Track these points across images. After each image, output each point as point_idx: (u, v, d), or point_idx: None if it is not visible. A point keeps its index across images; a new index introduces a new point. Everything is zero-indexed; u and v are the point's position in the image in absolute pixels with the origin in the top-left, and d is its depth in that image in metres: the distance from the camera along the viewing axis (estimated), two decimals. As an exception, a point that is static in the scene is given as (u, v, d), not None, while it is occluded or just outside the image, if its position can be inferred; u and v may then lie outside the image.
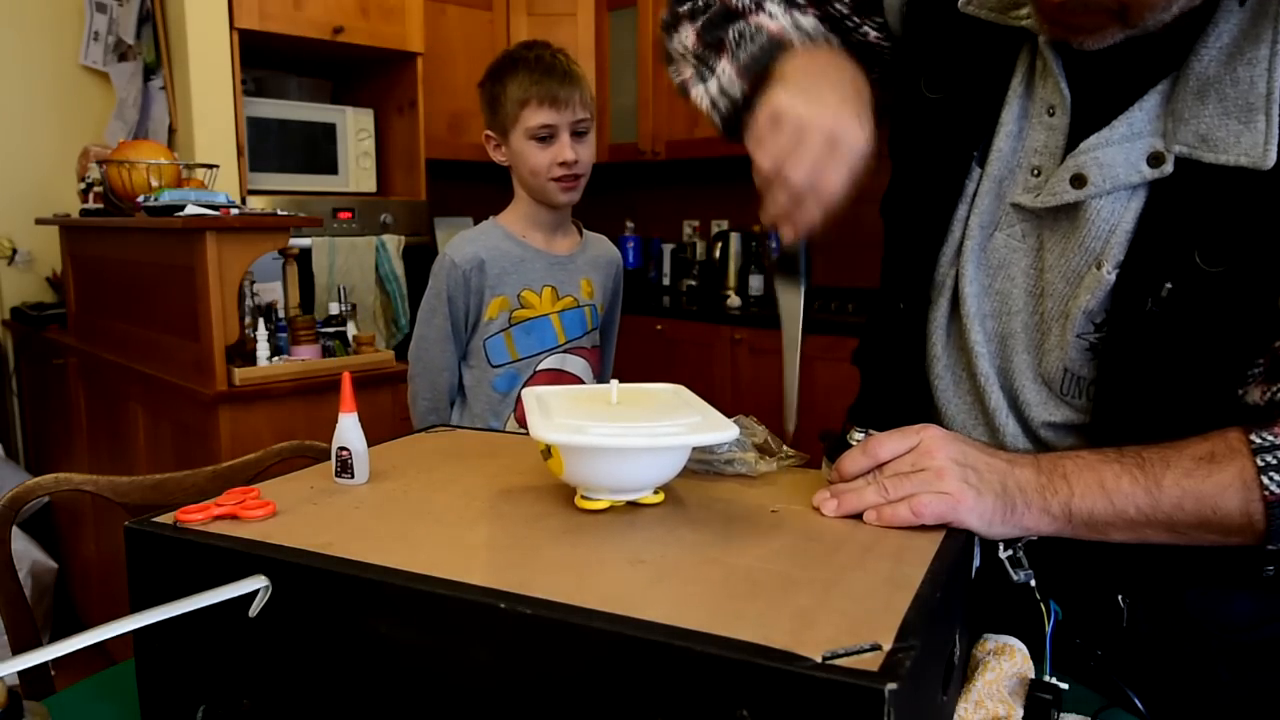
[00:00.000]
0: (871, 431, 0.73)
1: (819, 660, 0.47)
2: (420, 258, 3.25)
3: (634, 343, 3.50)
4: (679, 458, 0.72)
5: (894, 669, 0.46)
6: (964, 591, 0.67)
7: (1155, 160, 0.71)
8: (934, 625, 0.55)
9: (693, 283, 3.80)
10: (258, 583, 0.61)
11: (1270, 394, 0.71)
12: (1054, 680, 0.68)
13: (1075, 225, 0.75)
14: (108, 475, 1.17)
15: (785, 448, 0.86)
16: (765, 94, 0.76)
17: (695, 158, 3.51)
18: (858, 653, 0.48)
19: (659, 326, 3.38)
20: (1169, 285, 0.71)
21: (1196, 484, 0.69)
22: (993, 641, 0.71)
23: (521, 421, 1.51)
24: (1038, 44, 0.76)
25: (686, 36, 0.92)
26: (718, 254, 3.67)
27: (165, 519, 0.69)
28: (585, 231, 1.67)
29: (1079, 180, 0.74)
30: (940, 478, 0.68)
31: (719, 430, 0.68)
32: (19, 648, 1.09)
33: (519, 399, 1.51)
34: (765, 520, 0.70)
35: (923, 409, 0.89)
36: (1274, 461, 0.68)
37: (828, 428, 0.82)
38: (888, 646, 0.48)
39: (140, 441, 2.23)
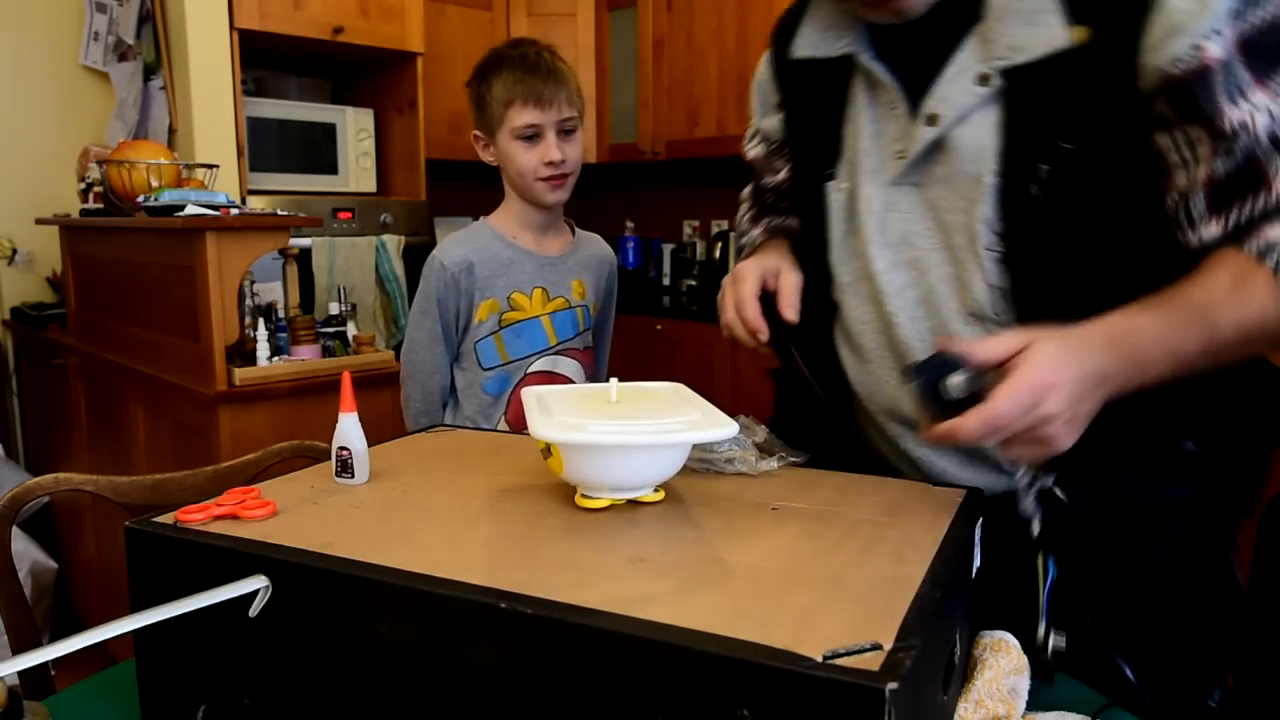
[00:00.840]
0: (967, 372, 0.69)
1: (819, 660, 0.47)
2: (420, 258, 3.23)
3: (634, 343, 3.50)
4: (679, 456, 0.72)
5: (894, 668, 0.46)
6: (964, 591, 0.67)
7: (983, 79, 0.84)
8: (934, 625, 0.55)
9: (693, 283, 3.80)
10: (258, 583, 0.61)
11: (1230, 221, 0.78)
12: (1053, 637, 0.67)
13: (949, 163, 0.87)
14: (108, 475, 1.16)
15: (786, 450, 0.86)
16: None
17: (695, 158, 3.51)
18: (858, 652, 0.47)
19: (659, 326, 3.37)
20: (1045, 167, 0.81)
21: (1244, 312, 0.75)
22: (988, 637, 0.71)
23: (512, 424, 1.51)
24: (861, 64, 0.93)
25: (745, 233, 1.24)
26: (718, 254, 3.67)
27: (165, 519, 0.69)
28: (578, 231, 1.66)
29: (931, 119, 0.87)
30: (1056, 442, 0.70)
31: (719, 428, 0.68)
32: (19, 648, 1.09)
33: (509, 401, 1.51)
34: (766, 519, 0.70)
35: (846, 400, 1.00)
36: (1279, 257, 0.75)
37: (728, 457, 0.85)
38: (888, 646, 0.48)
39: (140, 441, 2.23)
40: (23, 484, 1.12)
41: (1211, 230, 0.79)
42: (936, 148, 0.87)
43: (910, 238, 0.91)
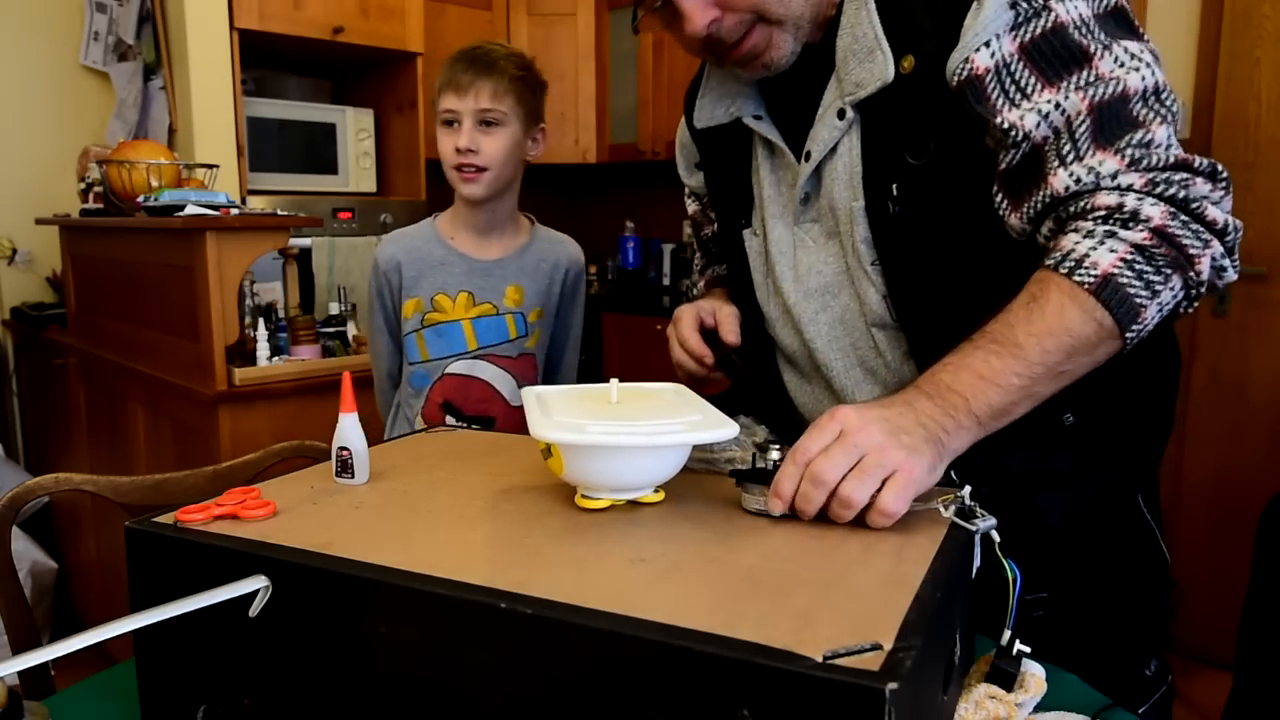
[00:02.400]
0: (778, 443, 0.75)
1: (820, 660, 0.47)
2: (420, 258, 3.25)
3: (634, 343, 3.50)
4: (679, 456, 0.72)
5: (895, 669, 0.46)
6: (964, 591, 0.67)
7: (840, 114, 0.94)
8: (934, 625, 0.55)
9: (693, 283, 3.80)
10: (258, 583, 0.61)
11: (1025, 212, 0.85)
12: (1018, 646, 0.67)
13: (829, 194, 0.97)
14: (108, 475, 1.17)
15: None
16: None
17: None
18: (858, 652, 0.47)
19: (659, 326, 3.37)
20: (895, 185, 0.90)
21: (1041, 322, 0.77)
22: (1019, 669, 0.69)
23: (427, 420, 1.51)
24: (750, 125, 1.03)
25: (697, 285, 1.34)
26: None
27: (165, 519, 0.69)
28: (540, 234, 1.60)
29: (808, 155, 0.97)
30: (884, 454, 0.69)
31: (719, 428, 0.68)
32: (19, 648, 1.09)
33: (427, 398, 1.51)
34: (766, 519, 0.70)
35: (793, 417, 1.09)
36: (1072, 264, 0.78)
37: (728, 458, 0.85)
38: (888, 646, 0.48)
39: (140, 441, 2.23)
40: (23, 484, 1.12)
41: (1013, 221, 0.87)
42: (818, 182, 0.98)
43: (816, 267, 1.00)
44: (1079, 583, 0.91)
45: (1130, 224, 0.78)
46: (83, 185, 2.48)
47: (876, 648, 0.48)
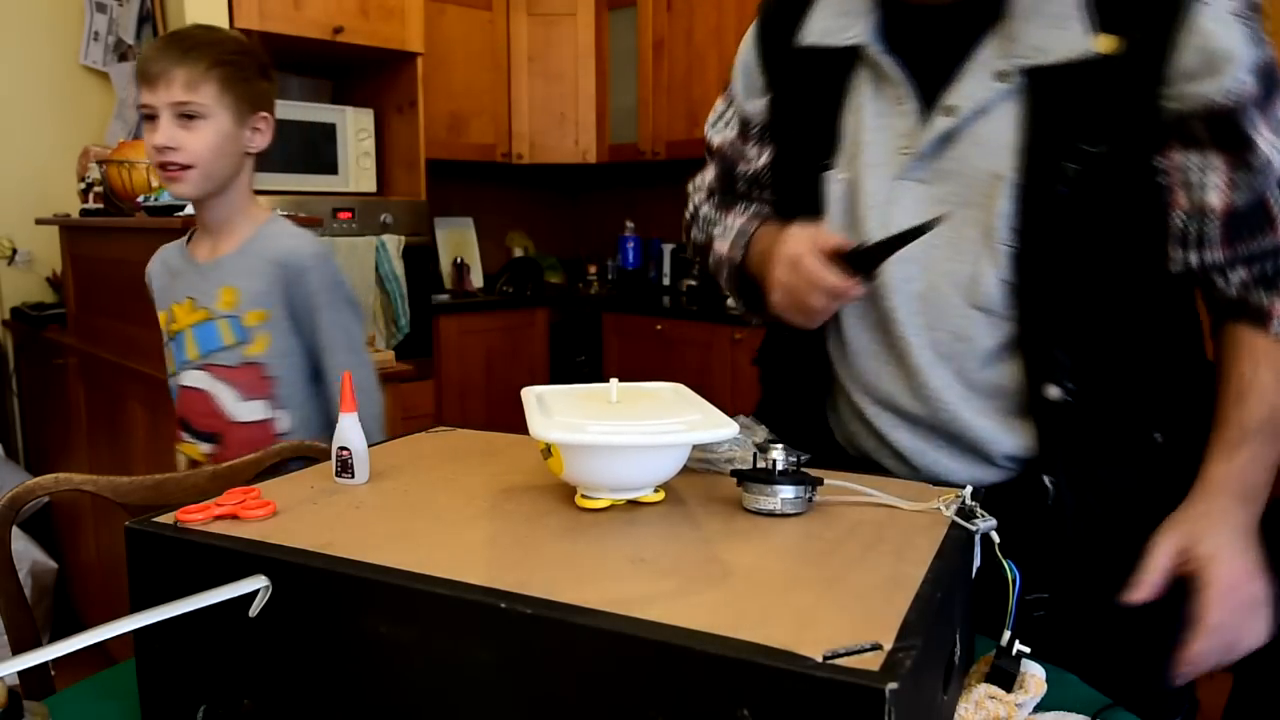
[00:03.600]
0: (778, 442, 0.76)
1: (820, 660, 0.47)
2: (420, 258, 3.25)
3: (634, 343, 3.50)
4: (679, 456, 0.72)
5: (895, 668, 0.46)
6: (964, 591, 0.67)
7: (1001, 76, 0.85)
8: (934, 625, 0.55)
9: (693, 283, 3.80)
10: (258, 583, 0.61)
11: (1238, 252, 0.83)
12: (1017, 646, 0.67)
13: (962, 157, 0.87)
14: (108, 475, 1.16)
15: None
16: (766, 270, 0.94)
17: (695, 158, 3.49)
18: (858, 652, 0.47)
19: (659, 326, 3.37)
20: (1072, 166, 0.83)
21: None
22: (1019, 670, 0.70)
23: (176, 436, 1.45)
24: (869, 57, 0.92)
25: (706, 247, 1.15)
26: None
27: (165, 519, 0.69)
28: (268, 228, 1.44)
29: (949, 110, 0.87)
30: (1268, 596, 0.81)
31: (719, 428, 0.68)
32: (19, 648, 1.09)
33: (178, 414, 1.45)
34: (765, 519, 0.70)
35: (828, 395, 1.02)
36: None
37: (728, 458, 0.86)
38: (888, 646, 0.48)
39: (140, 441, 2.23)
40: (23, 484, 1.12)
41: (1216, 255, 0.84)
42: (948, 142, 0.88)
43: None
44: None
45: None
46: (83, 185, 2.48)
47: (876, 648, 0.48)
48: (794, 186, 1.00)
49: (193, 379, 1.42)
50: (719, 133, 1.14)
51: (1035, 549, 0.83)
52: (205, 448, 1.42)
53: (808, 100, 0.98)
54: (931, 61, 0.89)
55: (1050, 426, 0.88)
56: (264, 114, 1.41)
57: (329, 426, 1.38)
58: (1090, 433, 0.87)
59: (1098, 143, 0.82)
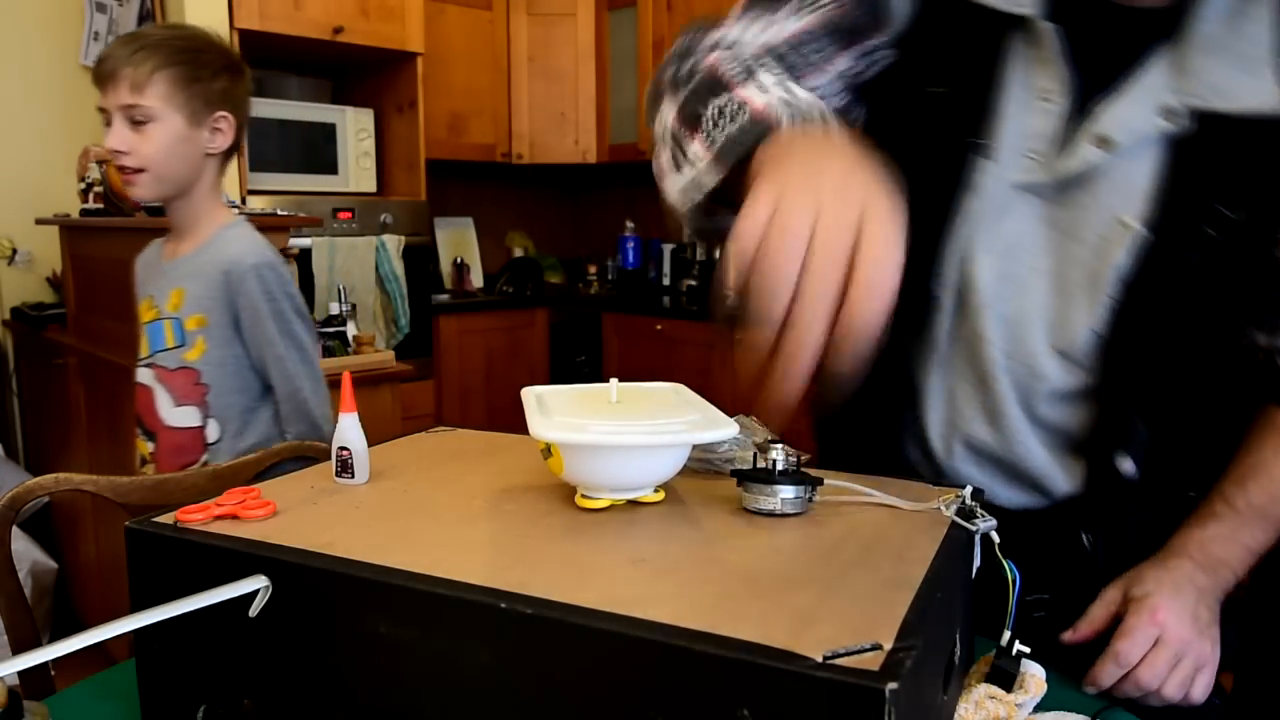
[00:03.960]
0: (779, 442, 0.72)
1: (819, 660, 0.47)
2: (420, 258, 3.25)
3: (634, 343, 3.50)
4: (679, 456, 0.72)
5: (895, 669, 0.46)
6: (964, 591, 0.67)
7: (1168, 114, 0.73)
8: (934, 625, 0.55)
9: (693, 283, 3.80)
10: (258, 583, 0.61)
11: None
12: (1017, 646, 0.68)
13: (1092, 191, 0.77)
14: (108, 475, 1.16)
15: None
16: (756, 185, 0.58)
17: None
18: (858, 652, 0.47)
19: (659, 326, 3.38)
20: (1210, 231, 0.74)
21: None
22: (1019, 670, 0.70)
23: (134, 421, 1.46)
24: (1034, 31, 0.77)
25: (667, 113, 0.80)
26: (718, 254, 3.66)
27: (165, 519, 0.69)
28: (224, 232, 1.40)
29: (1104, 142, 0.75)
30: (1199, 655, 0.77)
31: (720, 428, 0.68)
32: (19, 648, 1.09)
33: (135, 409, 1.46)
34: (766, 519, 0.70)
35: (900, 413, 0.90)
36: None
37: (728, 458, 0.80)
38: (888, 646, 0.48)
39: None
40: (23, 484, 1.12)
41: (1261, 340, 0.80)
42: (1084, 172, 0.77)
43: (1016, 251, 0.80)
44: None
45: None
46: (83, 185, 2.48)
47: (876, 648, 0.48)
48: (929, 158, 0.81)
49: (142, 376, 1.42)
50: None
51: (1061, 584, 0.84)
52: (149, 446, 1.43)
53: (967, 60, 0.80)
54: (1092, 60, 0.76)
55: (1110, 492, 0.84)
56: (223, 113, 1.36)
57: (268, 442, 1.35)
58: (1125, 492, 0.84)
59: (1238, 208, 0.74)
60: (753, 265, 0.55)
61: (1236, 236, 0.74)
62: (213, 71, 1.35)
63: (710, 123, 0.72)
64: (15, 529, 1.20)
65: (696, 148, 0.74)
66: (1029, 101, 0.78)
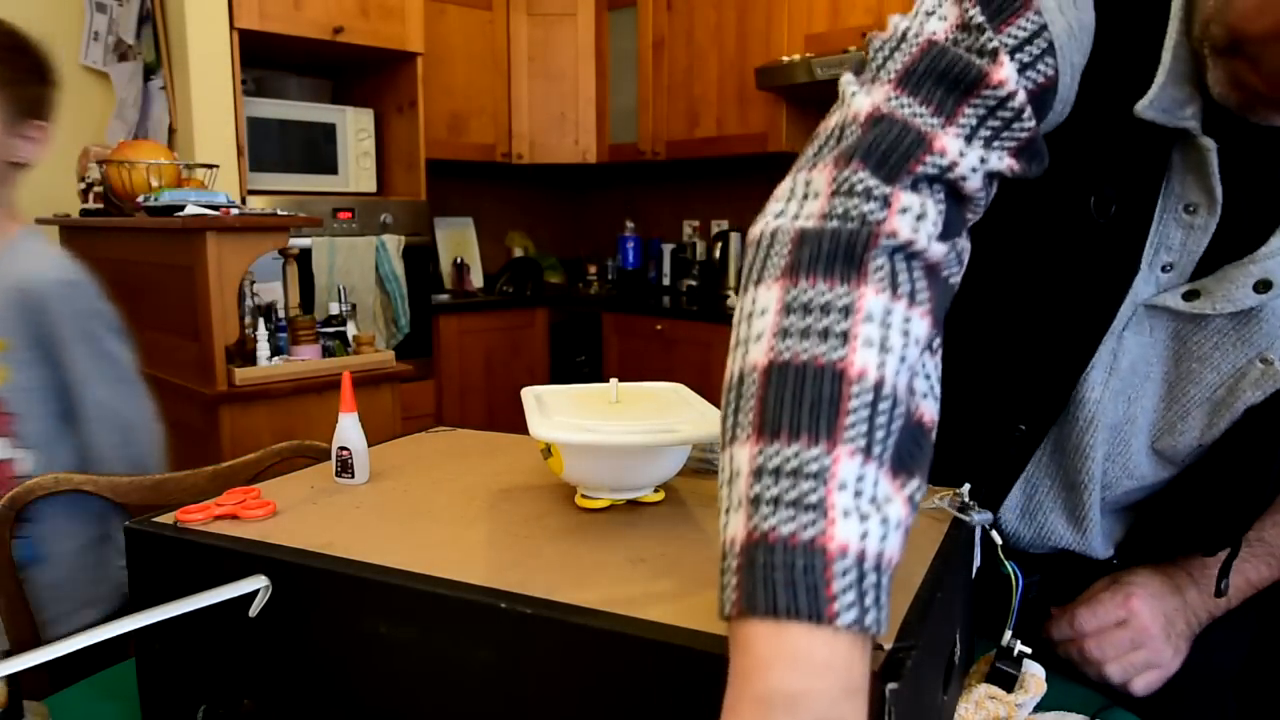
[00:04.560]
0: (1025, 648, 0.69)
1: (819, 660, 0.47)
2: (420, 258, 3.25)
3: (634, 343, 3.50)
4: (679, 456, 0.72)
5: (894, 668, 0.46)
6: (964, 591, 0.67)
7: None
8: (934, 625, 0.55)
9: (693, 283, 3.80)
10: (258, 583, 0.61)
11: None
12: (1018, 645, 0.68)
13: (1238, 323, 0.72)
14: (108, 475, 1.16)
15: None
16: None
17: (695, 158, 3.51)
18: (858, 652, 0.47)
19: (659, 326, 3.38)
20: None
21: None
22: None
23: None
24: (1191, 142, 0.69)
25: (768, 314, 0.52)
26: (718, 254, 3.67)
27: (165, 519, 0.69)
28: (20, 246, 1.31)
29: (1264, 285, 0.69)
30: (1157, 654, 0.77)
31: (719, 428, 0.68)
32: (19, 648, 1.09)
33: None
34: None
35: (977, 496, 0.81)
36: None
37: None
38: (888, 646, 0.48)
39: (140, 441, 2.23)
40: (23, 484, 1.12)
41: None
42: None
43: (1140, 370, 0.76)
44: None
45: None
46: (83, 185, 2.48)
47: (877, 648, 0.48)
48: (1084, 287, 0.74)
49: None
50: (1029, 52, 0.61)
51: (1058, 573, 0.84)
52: None
53: (1129, 182, 0.72)
54: (1246, 180, 0.69)
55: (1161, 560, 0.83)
56: (39, 122, 1.28)
57: (82, 468, 1.24)
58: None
59: None
60: None
61: None
62: (27, 76, 1.28)
63: (771, 454, 0.47)
64: (15, 529, 1.20)
65: (743, 472, 0.48)
66: (1171, 214, 0.72)
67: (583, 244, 4.38)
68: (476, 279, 3.94)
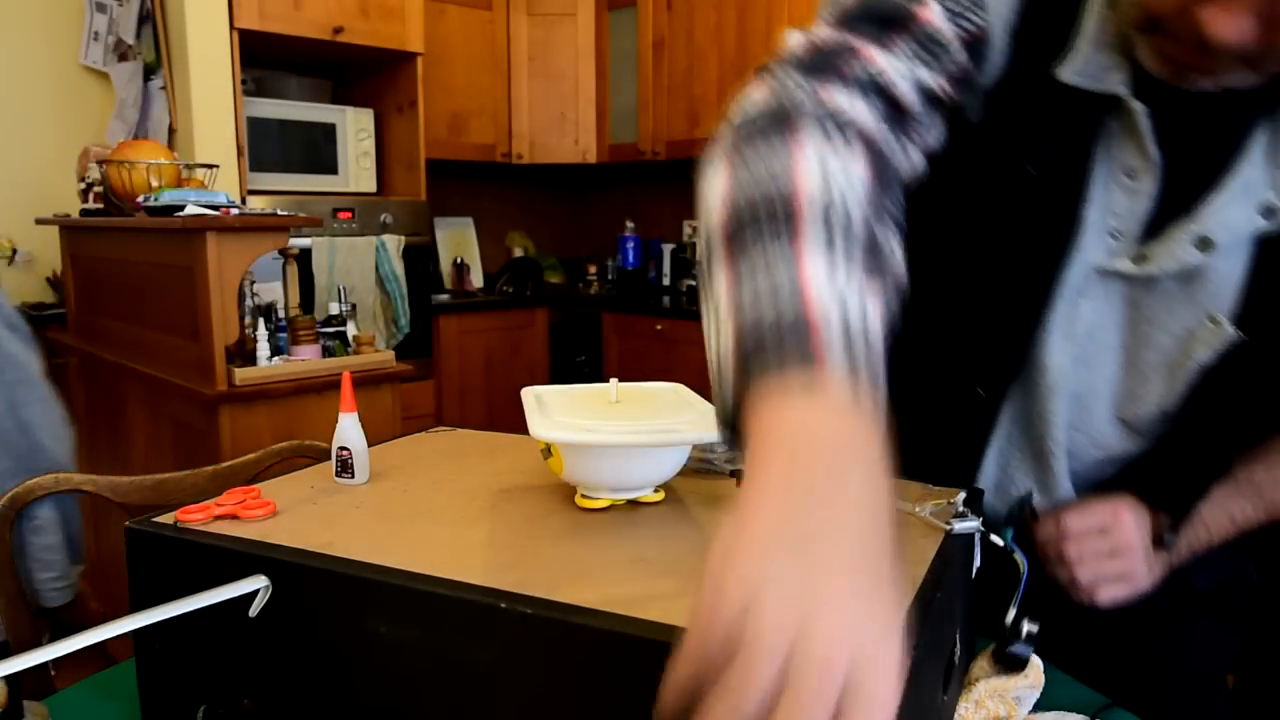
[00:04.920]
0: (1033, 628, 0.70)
1: (819, 660, 0.46)
2: (420, 258, 3.25)
3: (634, 343, 3.50)
4: (679, 456, 0.72)
5: (894, 668, 0.46)
6: (964, 591, 0.67)
7: (1269, 212, 0.70)
8: (934, 625, 0.55)
9: (693, 283, 3.80)
10: (258, 583, 0.61)
11: None
12: (1026, 623, 0.69)
13: (1182, 283, 0.73)
14: (107, 475, 1.16)
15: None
16: (726, 534, 0.43)
17: (695, 157, 3.50)
18: (858, 652, 0.47)
19: (659, 326, 3.38)
20: None
21: None
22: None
23: None
24: (1123, 107, 0.71)
25: (715, 190, 0.61)
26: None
27: (165, 519, 0.69)
28: None
29: (1205, 244, 0.71)
30: (1132, 563, 0.77)
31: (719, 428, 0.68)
32: (19, 648, 1.09)
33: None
34: (765, 520, 0.70)
35: (952, 473, 0.82)
36: None
37: (728, 458, 0.80)
38: (888, 646, 0.48)
39: (140, 441, 2.23)
40: (23, 484, 1.12)
41: None
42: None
43: (1097, 336, 0.77)
44: (1189, 618, 0.89)
45: None
46: (83, 185, 2.48)
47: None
48: (1020, 247, 0.77)
49: None
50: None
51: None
52: None
53: (1059, 141, 0.75)
54: (1183, 142, 0.72)
55: None
56: None
57: None
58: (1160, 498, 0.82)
59: None
60: (700, 697, 0.39)
61: None
62: None
63: (746, 273, 0.53)
64: (15, 529, 1.20)
65: (723, 299, 0.55)
66: (1113, 179, 0.74)
67: (583, 244, 4.38)
68: (476, 279, 3.94)
